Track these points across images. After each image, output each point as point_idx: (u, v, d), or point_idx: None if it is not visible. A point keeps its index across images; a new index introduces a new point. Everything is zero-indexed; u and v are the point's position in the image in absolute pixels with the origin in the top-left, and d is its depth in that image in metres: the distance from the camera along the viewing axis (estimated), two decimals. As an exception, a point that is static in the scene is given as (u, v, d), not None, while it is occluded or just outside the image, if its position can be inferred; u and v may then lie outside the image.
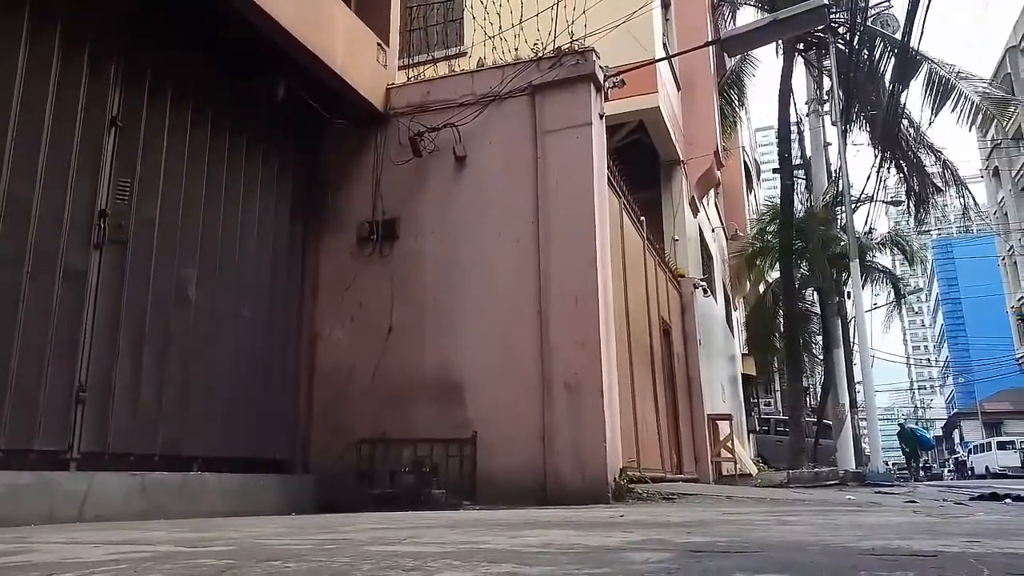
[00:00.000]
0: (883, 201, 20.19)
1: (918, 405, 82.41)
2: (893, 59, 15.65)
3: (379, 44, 7.32)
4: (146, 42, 5.46)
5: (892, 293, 23.49)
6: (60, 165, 4.71)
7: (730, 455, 12.07)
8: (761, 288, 22.90)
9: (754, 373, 22.78)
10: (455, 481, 6.01)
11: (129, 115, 5.28)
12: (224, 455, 5.76)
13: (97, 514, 4.41)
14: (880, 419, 18.96)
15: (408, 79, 7.71)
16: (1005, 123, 19.67)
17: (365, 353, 6.75)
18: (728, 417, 12.85)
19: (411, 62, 8.55)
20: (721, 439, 12.23)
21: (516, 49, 7.29)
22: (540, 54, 6.90)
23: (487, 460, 6.12)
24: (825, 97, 18.48)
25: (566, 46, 6.87)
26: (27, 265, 4.42)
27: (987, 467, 32.73)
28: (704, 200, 15.39)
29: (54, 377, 4.52)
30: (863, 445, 18.05)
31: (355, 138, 7.30)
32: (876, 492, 8.67)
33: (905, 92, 15.77)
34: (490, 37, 7.58)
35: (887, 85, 16.04)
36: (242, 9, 5.50)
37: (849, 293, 16.65)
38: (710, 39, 13.15)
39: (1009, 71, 35.97)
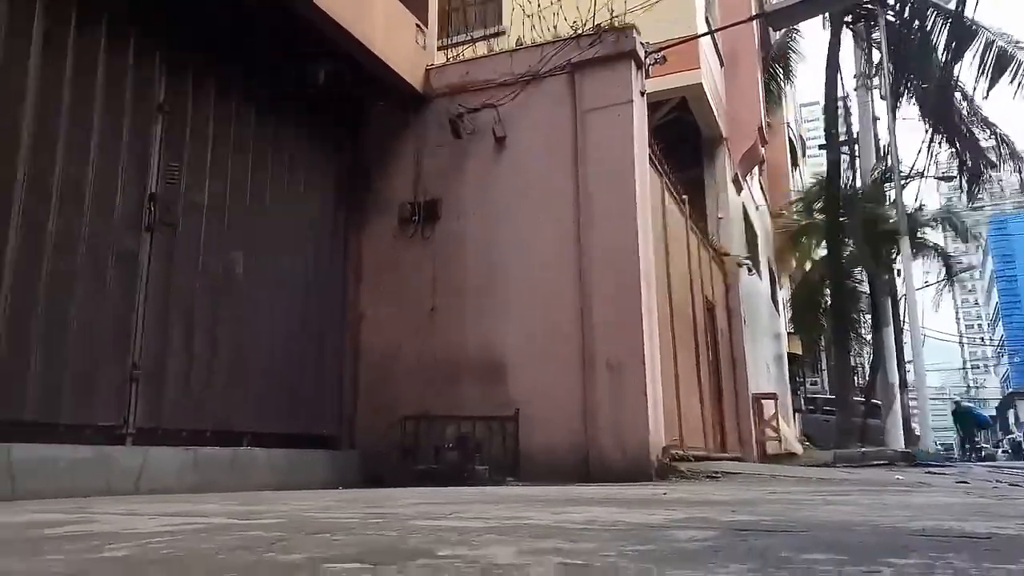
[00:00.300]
0: (934, 177, 19.62)
1: (971, 385, 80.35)
2: (946, 30, 15.12)
3: (418, 25, 7.31)
4: (190, 29, 5.55)
5: (944, 271, 22.83)
6: (111, 151, 4.83)
7: (775, 434, 11.94)
8: (807, 266, 22.48)
9: (800, 352, 22.44)
10: (498, 458, 6.07)
11: (176, 101, 5.38)
12: (272, 431, 5.90)
13: (152, 487, 4.56)
14: (931, 399, 18.57)
15: (447, 60, 7.70)
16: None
17: (408, 332, 6.83)
18: (773, 396, 12.70)
19: (450, 43, 8.54)
20: (766, 418, 12.10)
21: (555, 27, 7.23)
22: (579, 32, 6.83)
23: (529, 437, 6.16)
24: (874, 71, 17.95)
25: (606, 23, 6.79)
26: (82, 248, 4.56)
27: (1045, 447, 31.84)
28: (748, 177, 15.12)
29: (109, 355, 4.67)
30: (913, 425, 17.69)
31: (395, 120, 7.33)
32: (926, 472, 8.50)
33: (958, 64, 15.25)
34: (529, 16, 7.52)
35: (939, 57, 15.51)
36: (284, -7, 5.55)
37: (899, 270, 16.27)
38: (754, 13, 12.86)
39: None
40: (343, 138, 7.29)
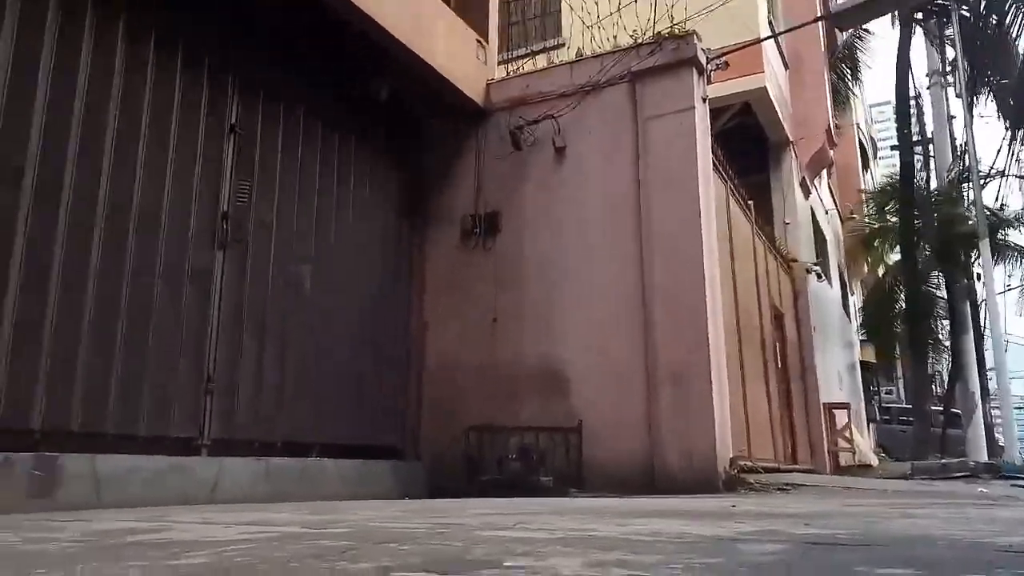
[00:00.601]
0: (1016, 176, 18.73)
1: (1060, 394, 76.08)
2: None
3: (478, 40, 7.41)
4: (260, 51, 5.75)
5: (1028, 273, 21.75)
6: (185, 171, 5.03)
7: (848, 445, 11.57)
8: (880, 271, 21.74)
9: (874, 360, 21.69)
10: (561, 469, 6.05)
11: (247, 121, 5.58)
12: (340, 442, 6.02)
13: (226, 496, 4.71)
14: (1015, 408, 17.69)
15: (507, 73, 7.77)
16: None
17: (471, 344, 6.88)
18: (846, 406, 12.31)
19: (510, 56, 8.61)
20: (838, 428, 11.74)
21: (615, 37, 7.22)
22: (639, 40, 6.80)
23: (593, 448, 6.12)
24: (948, 68, 17.30)
25: (666, 31, 6.74)
26: (159, 266, 4.75)
27: None
28: (816, 181, 14.74)
29: (185, 370, 4.85)
30: (996, 435, 16.88)
31: (457, 134, 7.43)
32: (1012, 485, 8.10)
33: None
34: (588, 27, 7.53)
35: (1019, 51, 14.85)
36: (348, 15, 5.69)
37: (979, 274, 15.59)
38: (819, 14, 12.56)
39: None
40: (406, 152, 7.42)
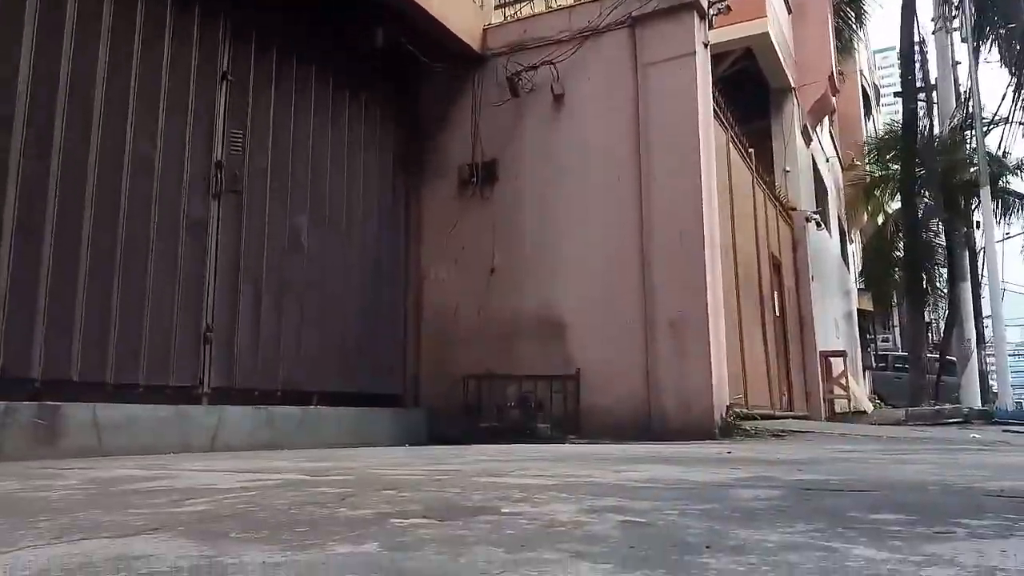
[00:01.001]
0: (1020, 123, 18.50)
1: (1055, 341, 76.63)
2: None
3: (475, -17, 7.23)
4: (250, -5, 5.60)
5: (1029, 221, 21.67)
6: (178, 120, 4.95)
7: (844, 392, 11.69)
8: (880, 220, 21.65)
9: (871, 308, 21.76)
10: (559, 416, 6.12)
11: (238, 69, 5.47)
12: (340, 390, 6.06)
13: (227, 444, 4.76)
14: (1011, 355, 17.83)
15: (505, 18, 7.60)
16: None
17: (469, 293, 6.88)
18: (842, 354, 12.40)
19: (507, 0, 8.41)
20: (834, 376, 11.84)
21: (615, -22, 7.03)
22: (640, -18, 6.63)
23: (591, 396, 6.17)
24: (953, 13, 16.93)
25: (667, -28, 6.57)
26: (154, 216, 4.71)
27: None
28: (818, 128, 14.58)
29: (184, 319, 4.85)
30: (991, 382, 17.05)
31: (453, 81, 7.30)
32: (1004, 431, 8.21)
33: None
34: (588, -32, 7.33)
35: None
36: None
37: (978, 222, 15.53)
38: (824, -46, 12.25)
39: None
40: (402, 100, 7.31)
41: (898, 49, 16.44)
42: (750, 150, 9.19)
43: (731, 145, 8.24)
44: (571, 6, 7.03)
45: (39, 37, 4.12)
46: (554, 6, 7.48)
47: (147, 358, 4.55)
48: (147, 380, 4.54)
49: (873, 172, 19.67)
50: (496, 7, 7.86)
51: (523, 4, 8.02)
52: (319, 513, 1.68)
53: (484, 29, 7.27)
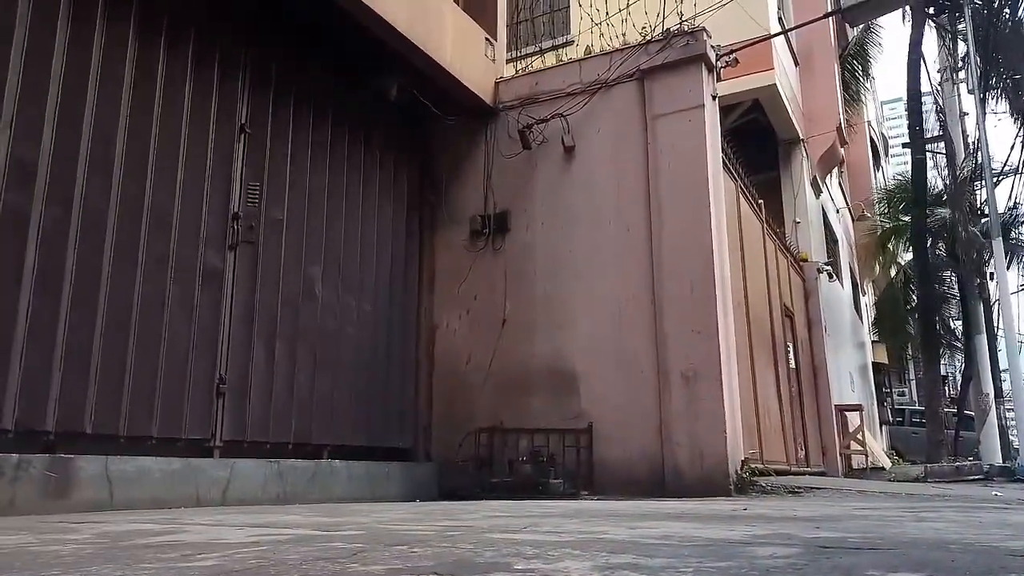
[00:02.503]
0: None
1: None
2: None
3: (487, 39, 7.40)
4: (270, 50, 5.76)
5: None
6: (196, 173, 5.05)
7: (860, 447, 11.51)
8: (892, 271, 21.61)
9: (886, 361, 21.55)
10: (572, 470, 6.04)
11: (256, 121, 5.59)
12: (351, 443, 6.03)
13: (238, 498, 4.72)
14: (1030, 409, 17.48)
15: (516, 71, 7.77)
16: None
17: (481, 344, 6.88)
18: (858, 407, 12.26)
19: (519, 54, 8.61)
20: (850, 431, 11.68)
21: (624, 34, 7.20)
22: (648, 37, 6.78)
23: (603, 450, 6.11)
24: (960, 63, 17.15)
25: (675, 27, 6.72)
26: (170, 269, 4.77)
27: None
28: (827, 179, 14.68)
29: (197, 371, 4.86)
30: (1011, 438, 16.73)
31: (465, 133, 7.42)
32: (1027, 488, 8.03)
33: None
34: (597, 24, 7.52)
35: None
36: (357, 13, 5.70)
37: (992, 274, 15.45)
38: (829, 9, 12.51)
39: None
40: (415, 151, 7.43)
41: (905, 101, 16.62)
42: (760, 201, 9.24)
43: (741, 196, 8.29)
44: (581, 59, 7.18)
45: (64, 91, 4.23)
46: (564, 59, 7.64)
47: (160, 410, 4.55)
48: (160, 432, 4.54)
49: (884, 223, 19.71)
50: (508, 61, 8.04)
51: (534, 58, 8.20)
52: (330, 569, 1.66)
53: (496, 82, 7.42)
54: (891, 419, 21.90)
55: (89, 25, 4.42)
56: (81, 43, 4.36)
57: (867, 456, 11.68)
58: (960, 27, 16.20)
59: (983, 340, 15.55)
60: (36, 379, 3.92)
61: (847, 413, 11.87)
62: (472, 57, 7.11)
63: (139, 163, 4.64)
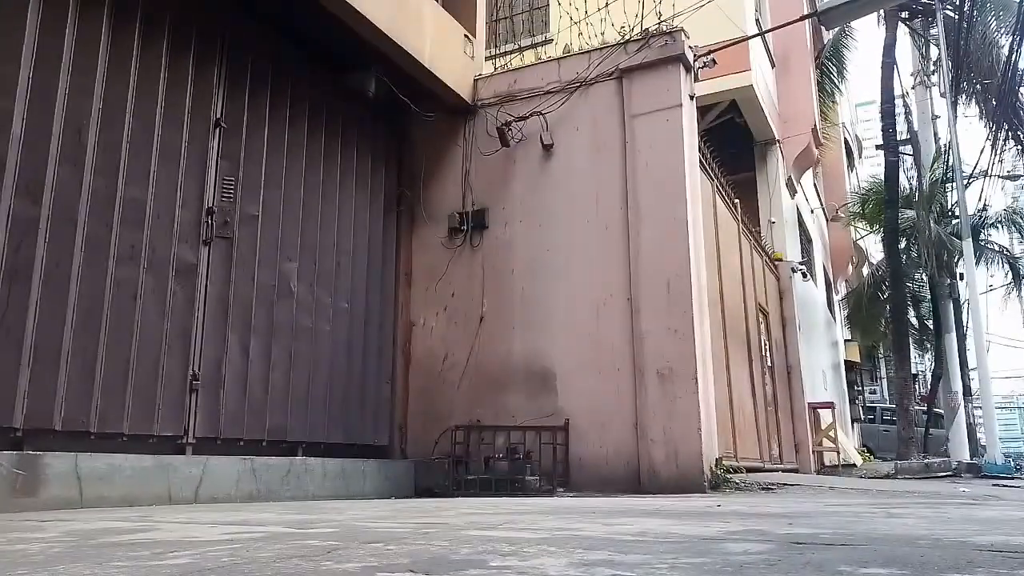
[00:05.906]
0: (999, 176, 18.89)
1: (1041, 392, 76.82)
2: (1011, 21, 14.58)
3: (466, 36, 7.38)
4: (246, 43, 5.70)
5: (1010, 274, 21.98)
6: (170, 166, 4.98)
7: (832, 445, 11.66)
8: (865, 271, 21.90)
9: (858, 360, 21.84)
10: (548, 468, 6.05)
11: (232, 115, 5.53)
12: (326, 440, 5.99)
13: (211, 495, 4.67)
14: (998, 407, 17.87)
15: (495, 69, 7.75)
16: None
17: (458, 342, 6.87)
18: (830, 405, 12.41)
19: (498, 52, 8.59)
20: (823, 428, 11.82)
21: (603, 33, 7.22)
22: (627, 37, 6.80)
23: (579, 447, 6.13)
24: (932, 67, 17.42)
25: (654, 27, 6.75)
26: (143, 262, 4.70)
27: None
28: (802, 180, 14.83)
29: (170, 367, 4.80)
30: (978, 435, 17.05)
31: (444, 130, 7.40)
32: (994, 485, 8.19)
33: (1024, 57, 14.66)
34: (576, 23, 7.53)
35: (1003, 51, 14.96)
36: (335, 9, 5.66)
37: (962, 275, 15.73)
38: (806, 12, 12.63)
39: None
40: (393, 149, 7.39)
41: (879, 103, 16.85)
42: (736, 201, 9.32)
43: (717, 196, 8.35)
44: (560, 58, 7.18)
45: (34, 82, 4.16)
46: (544, 58, 7.64)
47: (132, 406, 4.49)
48: (131, 429, 4.47)
49: (857, 224, 19.96)
50: (487, 58, 8.02)
51: (513, 56, 8.20)
52: (305, 567, 1.65)
53: (475, 79, 7.40)
54: (862, 417, 22.20)
55: (61, 15, 4.34)
56: (53, 33, 4.28)
57: (839, 453, 11.83)
58: (932, 32, 16.45)
59: (953, 339, 15.83)
60: (4, 374, 3.85)
61: (820, 410, 12.02)
62: (451, 54, 7.09)
63: (112, 156, 4.57)
